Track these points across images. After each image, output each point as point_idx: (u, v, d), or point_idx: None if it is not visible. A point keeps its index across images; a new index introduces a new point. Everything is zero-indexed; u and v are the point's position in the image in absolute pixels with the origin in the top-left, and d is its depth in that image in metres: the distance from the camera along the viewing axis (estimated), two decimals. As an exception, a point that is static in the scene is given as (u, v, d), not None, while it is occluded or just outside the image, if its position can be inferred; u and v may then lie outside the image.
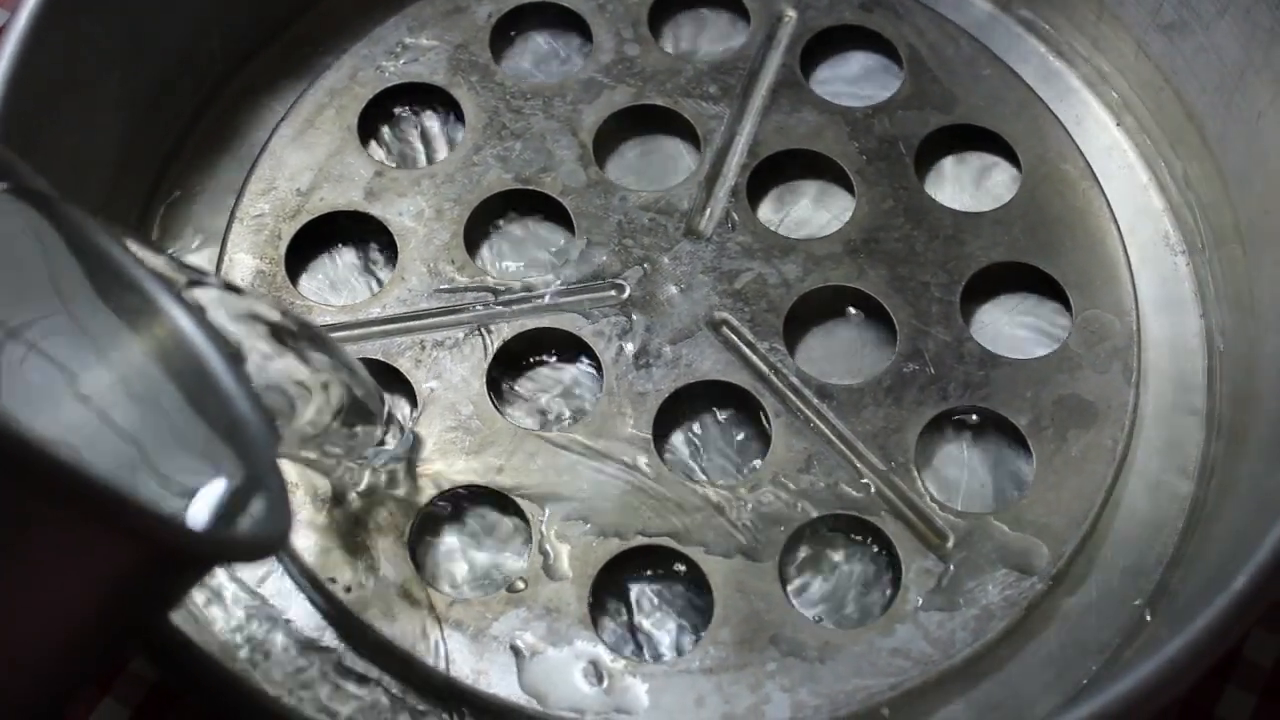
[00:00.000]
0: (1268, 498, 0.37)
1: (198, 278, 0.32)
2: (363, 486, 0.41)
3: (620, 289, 0.45)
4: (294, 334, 0.34)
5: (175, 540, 0.25)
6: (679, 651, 0.40)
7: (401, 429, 0.41)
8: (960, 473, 0.43)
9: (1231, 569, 0.34)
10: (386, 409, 0.39)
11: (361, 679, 0.40)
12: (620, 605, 0.41)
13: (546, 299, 0.45)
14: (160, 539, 0.25)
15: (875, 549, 0.42)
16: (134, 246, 0.30)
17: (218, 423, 0.29)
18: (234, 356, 0.28)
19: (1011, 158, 0.48)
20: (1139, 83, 0.49)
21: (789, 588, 0.41)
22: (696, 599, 0.41)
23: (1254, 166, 0.44)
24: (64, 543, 0.24)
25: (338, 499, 0.41)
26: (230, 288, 0.33)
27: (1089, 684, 0.39)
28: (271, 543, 0.29)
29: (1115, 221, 0.47)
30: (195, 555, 0.26)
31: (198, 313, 0.23)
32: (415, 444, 0.42)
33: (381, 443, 0.40)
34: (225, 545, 0.26)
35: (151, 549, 0.25)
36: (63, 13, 0.41)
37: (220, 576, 0.41)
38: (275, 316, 0.34)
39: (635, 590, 0.41)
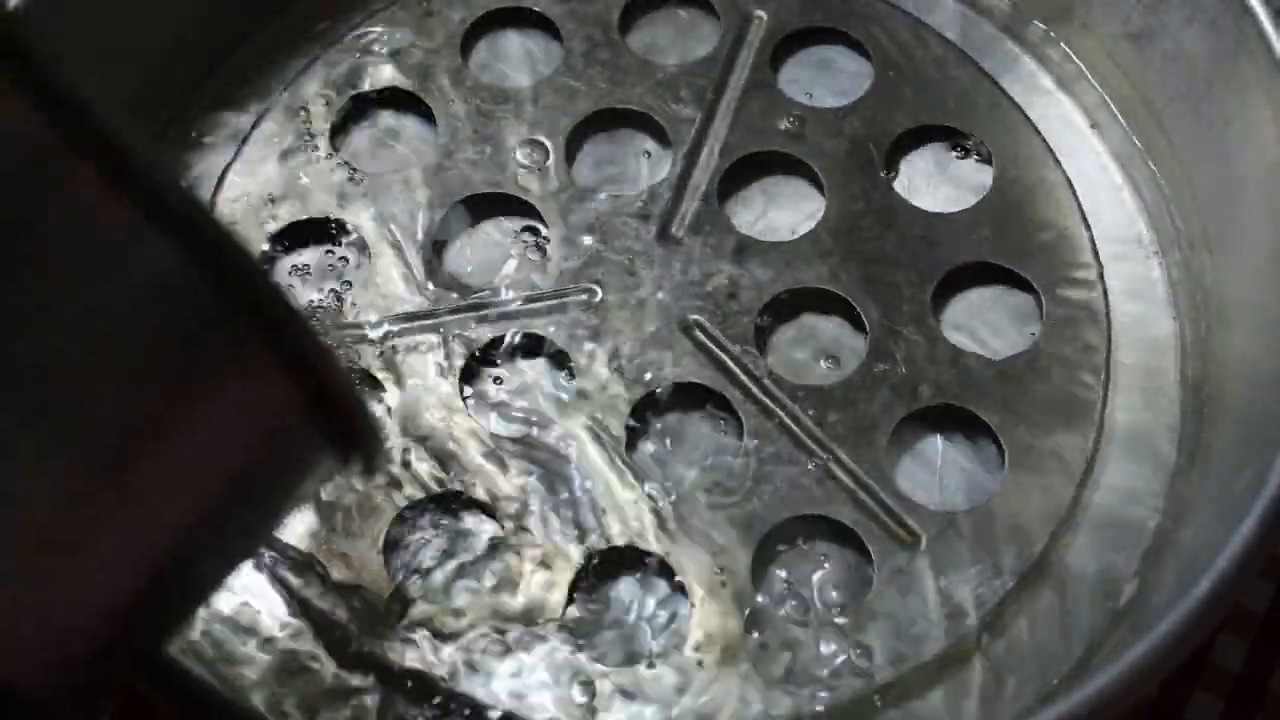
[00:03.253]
0: (1234, 501, 0.37)
1: None
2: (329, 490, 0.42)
3: (592, 292, 0.45)
4: None
5: (336, 380, 0.25)
6: (654, 654, 0.40)
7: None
8: (932, 472, 0.43)
9: (1198, 573, 0.35)
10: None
11: (339, 684, 0.40)
12: (594, 608, 0.41)
13: (518, 303, 0.45)
14: (327, 373, 0.25)
15: (847, 548, 0.42)
16: None
17: None
18: None
19: (983, 158, 0.48)
20: (1110, 89, 0.49)
21: (762, 588, 0.41)
22: (671, 601, 0.41)
23: (1221, 175, 0.44)
24: (240, 376, 0.24)
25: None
26: None
27: (1059, 683, 0.40)
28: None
29: (1087, 223, 0.47)
30: (348, 410, 0.26)
31: None
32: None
33: None
34: (370, 414, 0.27)
35: (303, 403, 0.25)
36: (39, 19, 0.41)
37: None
38: None
39: (609, 593, 0.41)
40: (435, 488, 0.42)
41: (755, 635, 0.40)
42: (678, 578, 0.41)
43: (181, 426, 0.24)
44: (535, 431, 0.43)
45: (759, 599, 0.41)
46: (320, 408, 0.26)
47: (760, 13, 0.50)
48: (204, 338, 0.24)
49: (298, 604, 0.40)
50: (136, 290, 0.23)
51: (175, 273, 0.23)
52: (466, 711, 0.39)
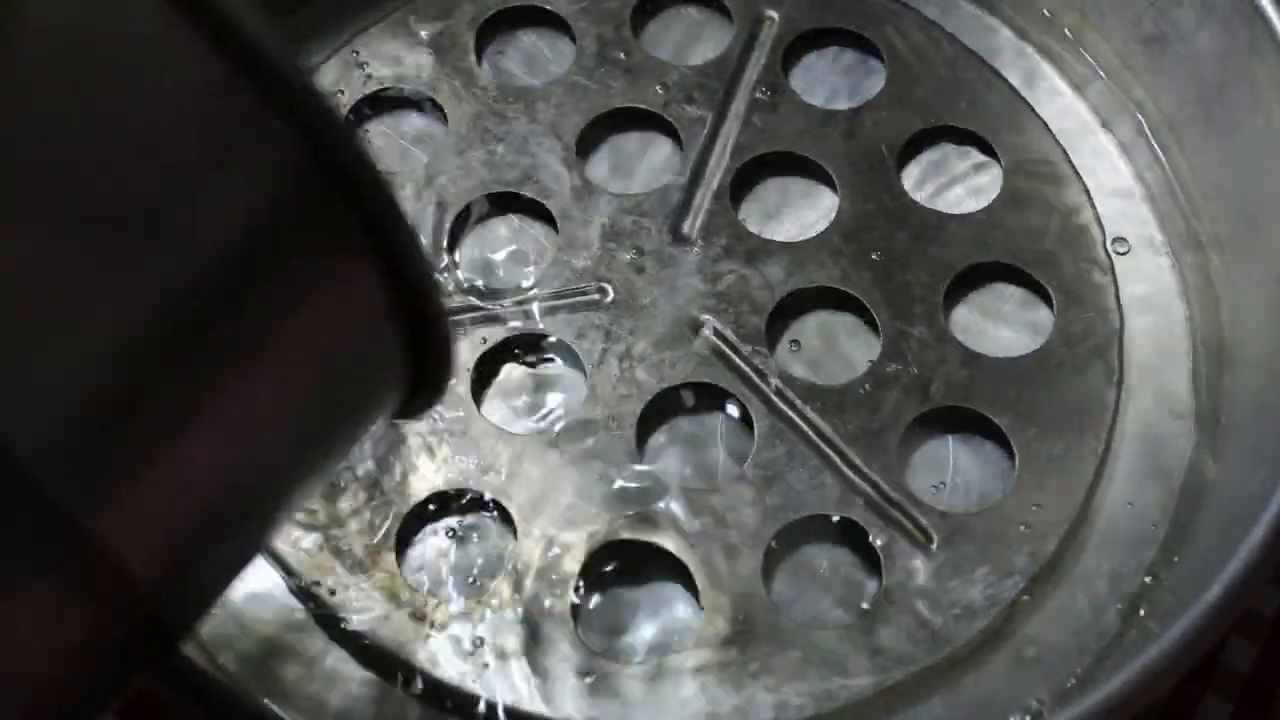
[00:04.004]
0: (1246, 505, 0.37)
1: None
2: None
3: (604, 292, 0.45)
4: None
5: (427, 284, 0.25)
6: (663, 652, 0.40)
7: None
8: (943, 472, 0.43)
9: (1210, 576, 0.35)
10: None
11: (347, 681, 0.40)
12: (604, 607, 0.41)
13: (530, 302, 0.45)
14: (420, 278, 0.25)
15: (858, 549, 0.42)
16: None
17: None
18: None
19: (994, 159, 0.48)
20: (1122, 91, 0.49)
21: (773, 587, 0.41)
22: (681, 600, 0.41)
23: (1231, 179, 0.44)
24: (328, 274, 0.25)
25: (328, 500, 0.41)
26: None
27: (1070, 686, 0.40)
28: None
29: (1099, 224, 0.47)
30: (431, 318, 0.26)
31: None
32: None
33: None
34: (450, 334, 0.27)
35: (387, 301, 0.25)
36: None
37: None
38: None
39: (619, 592, 0.41)
40: (446, 485, 0.42)
41: (765, 635, 0.40)
42: (687, 575, 0.41)
43: (279, 314, 0.24)
44: (545, 429, 0.43)
45: (770, 599, 0.40)
46: (404, 312, 0.26)
47: (772, 13, 0.50)
48: (309, 227, 0.24)
49: (307, 601, 0.41)
50: (250, 172, 0.23)
51: (289, 158, 0.23)
52: (477, 709, 0.39)
